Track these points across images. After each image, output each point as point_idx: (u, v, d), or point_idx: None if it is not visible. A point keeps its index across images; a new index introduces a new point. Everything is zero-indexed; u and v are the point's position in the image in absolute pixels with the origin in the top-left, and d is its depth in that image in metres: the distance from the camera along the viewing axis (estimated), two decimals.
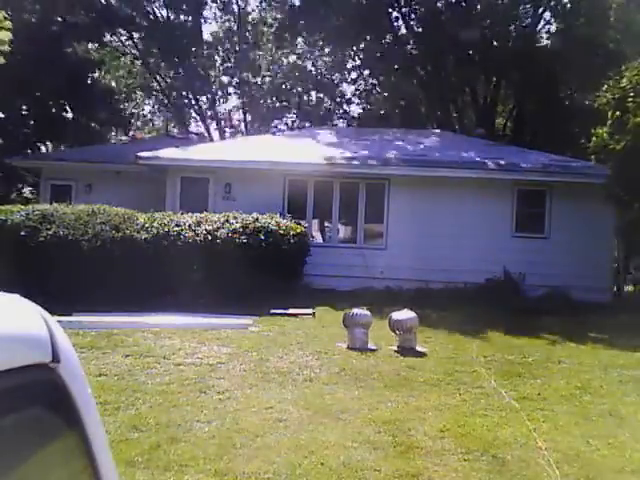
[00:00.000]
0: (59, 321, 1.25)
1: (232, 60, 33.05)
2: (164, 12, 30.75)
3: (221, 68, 33.71)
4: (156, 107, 35.51)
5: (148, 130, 35.39)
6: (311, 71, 33.09)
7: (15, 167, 19.89)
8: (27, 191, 25.36)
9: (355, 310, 8.73)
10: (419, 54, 25.72)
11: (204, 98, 33.10)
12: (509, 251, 14.12)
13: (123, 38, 30.61)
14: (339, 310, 10.09)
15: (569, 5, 24.22)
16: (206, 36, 32.81)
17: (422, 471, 4.66)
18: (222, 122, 34.12)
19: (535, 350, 9.10)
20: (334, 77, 33.00)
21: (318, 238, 15.38)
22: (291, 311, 10.91)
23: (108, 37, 29.23)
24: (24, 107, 24.69)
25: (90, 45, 27.83)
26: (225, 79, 34.22)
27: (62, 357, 1.15)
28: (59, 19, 24.62)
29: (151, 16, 29.99)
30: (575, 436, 5.55)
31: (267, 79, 33.61)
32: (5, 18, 10.71)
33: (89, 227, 11.45)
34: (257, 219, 12.27)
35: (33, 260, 10.78)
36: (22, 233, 11.13)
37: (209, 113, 33.86)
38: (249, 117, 34.53)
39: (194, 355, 7.66)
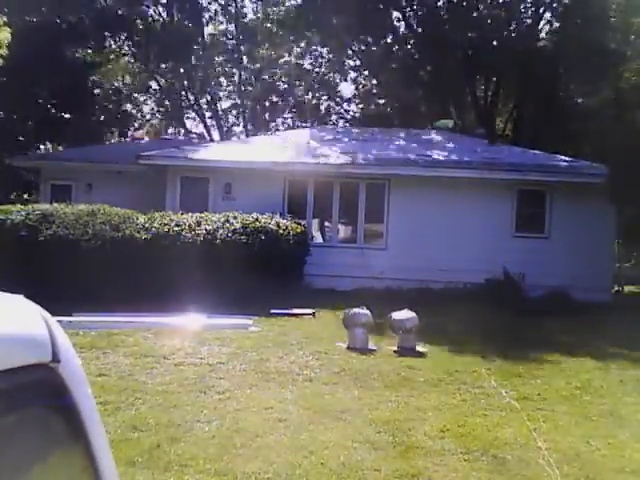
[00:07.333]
0: (59, 321, 1.25)
1: (231, 60, 33.05)
2: (164, 13, 30.78)
3: (220, 68, 33.70)
4: (156, 107, 35.49)
5: (148, 130, 35.35)
6: (311, 71, 33.10)
7: (15, 167, 19.87)
8: (27, 191, 25.32)
9: (355, 310, 8.72)
10: (419, 54, 25.72)
11: (204, 98, 33.11)
12: (509, 251, 14.12)
13: (122, 38, 30.58)
14: (339, 310, 10.09)
15: (569, 5, 24.21)
16: (205, 36, 32.77)
17: (422, 471, 4.66)
18: (222, 122, 34.11)
19: (535, 351, 9.10)
20: (334, 76, 33.02)
21: (318, 238, 15.37)
22: (291, 311, 10.91)
23: (108, 38, 29.21)
24: (24, 107, 24.66)
25: (90, 46, 27.78)
26: (225, 79, 34.23)
27: (62, 357, 1.15)
28: (59, 21, 24.59)
29: (151, 18, 29.98)
30: (575, 436, 5.55)
31: (267, 79, 33.61)
32: (5, 23, 10.72)
33: (89, 227, 11.45)
34: (257, 219, 12.27)
35: (33, 260, 10.77)
36: (22, 233, 11.13)
37: (209, 113, 33.87)
38: (249, 117, 34.52)
39: (194, 355, 7.66)
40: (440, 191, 14.52)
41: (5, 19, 11.52)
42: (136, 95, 34.11)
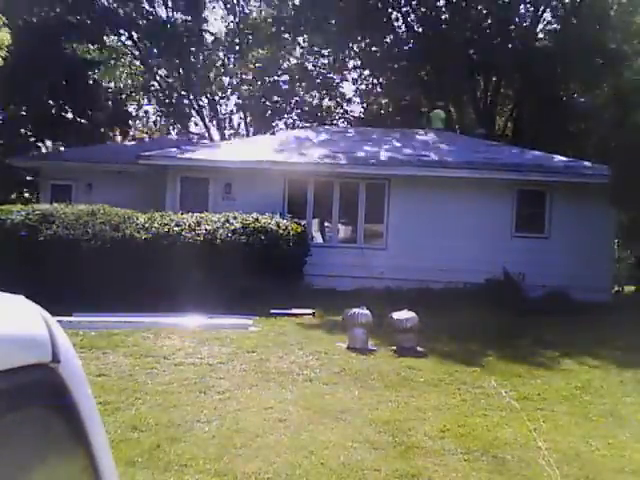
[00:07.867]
0: (59, 321, 1.25)
1: (232, 60, 33.05)
2: (164, 12, 30.79)
3: (222, 68, 33.70)
4: (157, 107, 35.47)
5: (148, 130, 35.33)
6: (312, 70, 33.07)
7: (15, 167, 19.88)
8: (27, 191, 25.33)
9: (355, 310, 8.72)
10: (419, 54, 25.72)
11: (205, 98, 33.11)
12: (509, 251, 14.12)
13: (123, 38, 30.60)
14: (339, 310, 10.08)
15: (569, 5, 24.24)
16: (207, 36, 32.79)
17: (422, 471, 4.66)
18: (222, 122, 34.11)
19: (535, 351, 9.11)
20: (334, 77, 33.00)
21: (318, 238, 15.37)
22: (291, 311, 10.91)
23: (109, 36, 29.22)
24: (24, 107, 24.66)
25: (90, 45, 27.78)
26: (226, 79, 34.22)
27: (62, 357, 1.15)
28: (59, 19, 24.58)
29: (152, 17, 29.95)
30: (575, 436, 5.55)
31: (268, 79, 33.58)
32: (5, 24, 10.73)
33: (89, 227, 11.45)
34: (257, 219, 12.27)
35: (33, 260, 10.77)
36: (22, 233, 11.13)
37: (210, 113, 33.85)
38: (249, 117, 34.51)
39: (194, 355, 7.66)
40: (440, 191, 14.52)
41: (5, 20, 11.52)
42: (137, 95, 34.09)
